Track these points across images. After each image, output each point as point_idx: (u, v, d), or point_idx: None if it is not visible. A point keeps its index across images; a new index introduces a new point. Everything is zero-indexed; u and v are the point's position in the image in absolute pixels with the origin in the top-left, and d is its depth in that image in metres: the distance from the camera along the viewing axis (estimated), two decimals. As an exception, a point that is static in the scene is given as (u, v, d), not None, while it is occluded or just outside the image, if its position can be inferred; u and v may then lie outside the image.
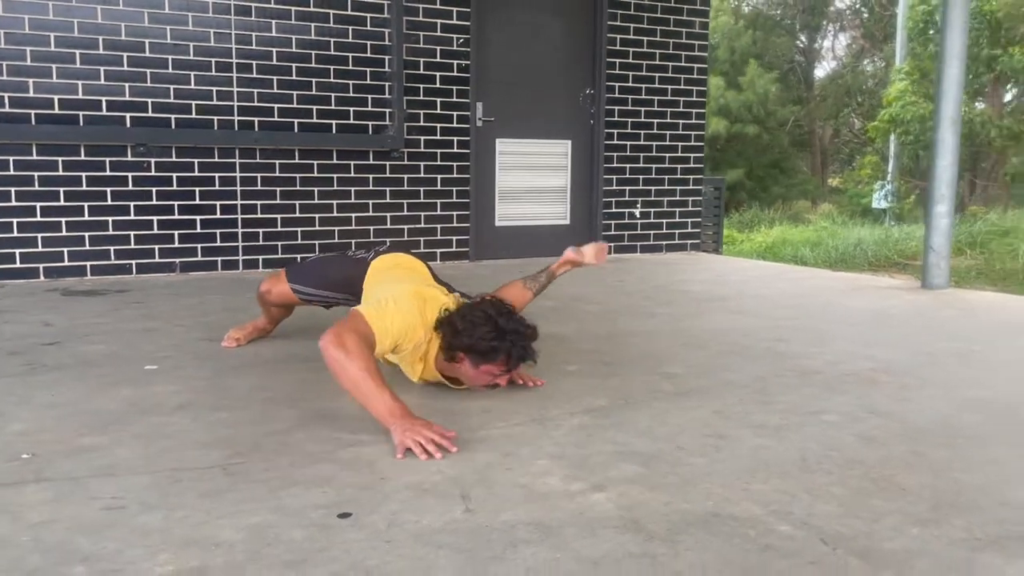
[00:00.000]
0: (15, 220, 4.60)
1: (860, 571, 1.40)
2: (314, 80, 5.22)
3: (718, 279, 5.17)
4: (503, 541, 1.51)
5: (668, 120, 6.37)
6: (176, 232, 4.98)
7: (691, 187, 6.54)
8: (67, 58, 4.62)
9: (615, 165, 6.22)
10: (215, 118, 4.99)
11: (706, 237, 7.05)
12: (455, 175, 5.70)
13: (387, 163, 5.48)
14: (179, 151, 4.93)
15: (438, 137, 5.61)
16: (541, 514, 1.62)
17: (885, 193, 13.65)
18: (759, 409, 2.33)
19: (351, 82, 5.32)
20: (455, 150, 5.68)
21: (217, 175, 5.03)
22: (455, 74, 5.62)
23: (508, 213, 6.00)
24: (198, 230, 5.03)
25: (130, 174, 4.83)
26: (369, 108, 5.39)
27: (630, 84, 6.19)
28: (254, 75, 5.06)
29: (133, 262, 4.89)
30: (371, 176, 5.45)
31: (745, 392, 2.51)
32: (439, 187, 5.66)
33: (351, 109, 5.34)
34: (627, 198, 6.30)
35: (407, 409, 2.03)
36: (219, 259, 5.09)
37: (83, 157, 4.71)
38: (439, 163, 5.64)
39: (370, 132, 5.40)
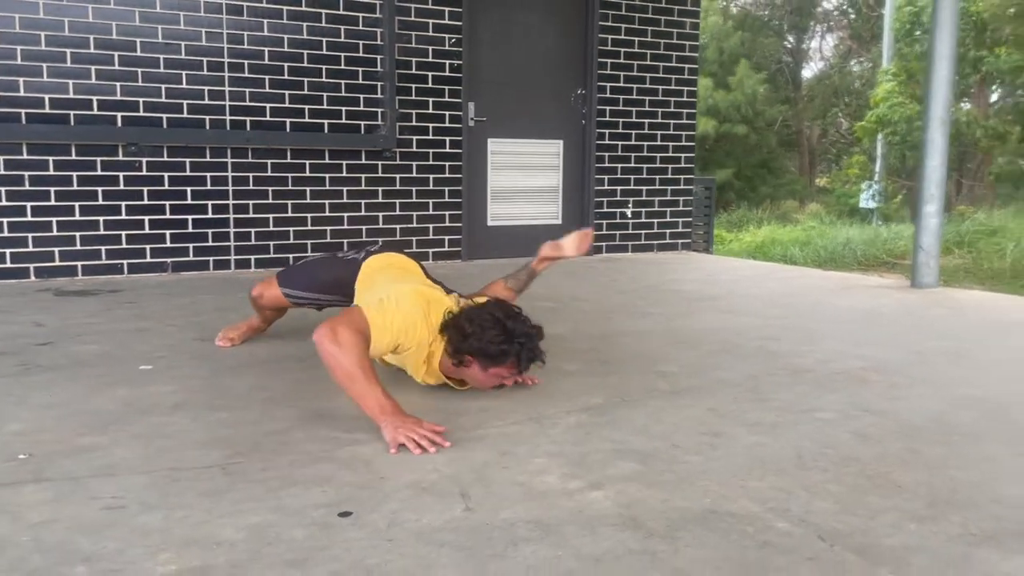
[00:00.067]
0: (5, 220, 4.58)
1: (858, 567, 1.42)
2: (306, 80, 5.21)
3: (709, 278, 5.20)
4: (504, 539, 1.51)
5: (659, 120, 6.39)
6: (168, 232, 4.96)
7: (682, 187, 6.57)
8: (58, 57, 4.60)
9: (606, 165, 6.24)
10: (207, 117, 4.98)
11: (697, 237, 7.08)
12: (447, 175, 5.71)
13: (379, 163, 5.48)
14: (171, 150, 4.91)
15: (430, 137, 5.62)
16: (540, 512, 1.63)
17: (872, 193, 13.74)
18: (753, 407, 2.35)
19: (343, 82, 5.31)
20: (447, 150, 5.69)
21: (209, 175, 5.02)
22: (447, 74, 5.63)
23: (500, 213, 6.01)
24: (190, 230, 5.01)
25: (121, 174, 4.81)
26: (361, 108, 5.38)
27: (621, 84, 6.21)
28: (246, 74, 5.05)
29: (124, 262, 4.87)
30: (363, 176, 5.45)
31: (739, 390, 2.53)
32: (431, 187, 5.67)
33: (343, 109, 5.33)
34: (618, 198, 6.32)
35: (398, 407, 2.04)
36: (211, 259, 5.08)
37: (74, 156, 4.69)
38: (431, 163, 5.64)
39: (362, 132, 5.40)
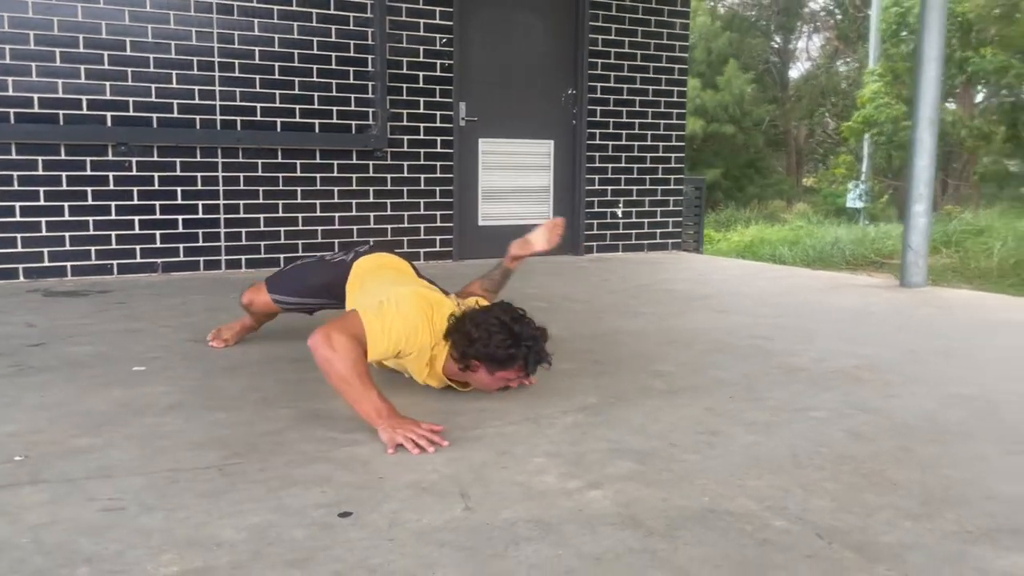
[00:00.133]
0: (-6, 220, 4.56)
1: (856, 564, 1.44)
2: (297, 79, 5.20)
3: (700, 278, 5.22)
4: (504, 539, 1.52)
5: (649, 120, 6.41)
6: (158, 232, 4.94)
7: (672, 187, 6.59)
8: (47, 56, 4.57)
9: (597, 165, 6.25)
10: (197, 117, 4.96)
11: (687, 236, 7.10)
12: (438, 175, 5.70)
13: (370, 163, 5.47)
14: (161, 150, 4.89)
15: (421, 137, 5.62)
16: (540, 511, 1.64)
17: (859, 193, 13.82)
18: (749, 406, 2.37)
19: (334, 81, 5.30)
20: (438, 150, 5.68)
21: (199, 175, 5.00)
22: (438, 74, 5.63)
23: (491, 212, 6.01)
24: (180, 230, 4.99)
25: (111, 173, 4.79)
26: (352, 107, 5.38)
27: (612, 84, 6.22)
28: (237, 74, 5.04)
29: (114, 262, 4.85)
30: (354, 176, 5.44)
31: (734, 389, 2.55)
32: (422, 187, 5.66)
33: (334, 108, 5.32)
34: (609, 197, 6.34)
35: (394, 409, 2.04)
36: (201, 259, 5.06)
37: (63, 156, 4.66)
38: (422, 163, 5.64)
39: (353, 131, 5.40)
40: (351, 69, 5.35)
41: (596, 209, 6.29)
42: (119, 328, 3.39)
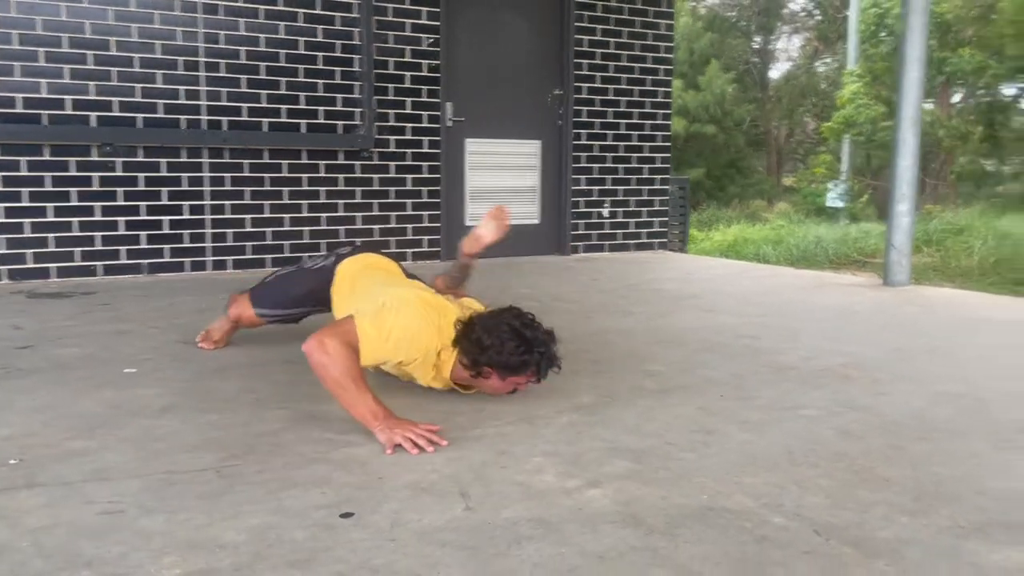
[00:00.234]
0: (-24, 221, 4.51)
1: (855, 560, 1.46)
2: (283, 79, 5.18)
3: (687, 277, 5.25)
4: (506, 538, 1.53)
5: (635, 121, 6.44)
6: (143, 233, 4.90)
7: (658, 187, 6.62)
8: (31, 56, 4.52)
9: (583, 165, 6.27)
10: (183, 117, 4.93)
11: (672, 236, 7.14)
12: (425, 175, 5.70)
13: (357, 163, 5.46)
14: (146, 151, 4.86)
15: (408, 137, 5.61)
16: (541, 511, 1.65)
17: (840, 192, 13.94)
18: (740, 405, 2.39)
19: (321, 81, 5.29)
20: (425, 150, 5.68)
21: (185, 175, 4.97)
22: (425, 74, 5.63)
23: (479, 213, 5.99)
24: (166, 231, 4.96)
25: (96, 174, 4.75)
26: (339, 108, 5.36)
27: (598, 85, 6.24)
28: (222, 74, 5.01)
29: (99, 263, 4.81)
30: (341, 176, 5.42)
31: (725, 388, 2.57)
32: (409, 187, 5.66)
33: (321, 109, 5.31)
34: (595, 198, 6.36)
35: (390, 412, 2.05)
36: (187, 260, 5.03)
37: (47, 157, 4.62)
38: (409, 163, 5.64)
39: (340, 132, 5.38)
40: (337, 69, 5.34)
41: (582, 209, 6.31)
42: (107, 330, 3.37)
